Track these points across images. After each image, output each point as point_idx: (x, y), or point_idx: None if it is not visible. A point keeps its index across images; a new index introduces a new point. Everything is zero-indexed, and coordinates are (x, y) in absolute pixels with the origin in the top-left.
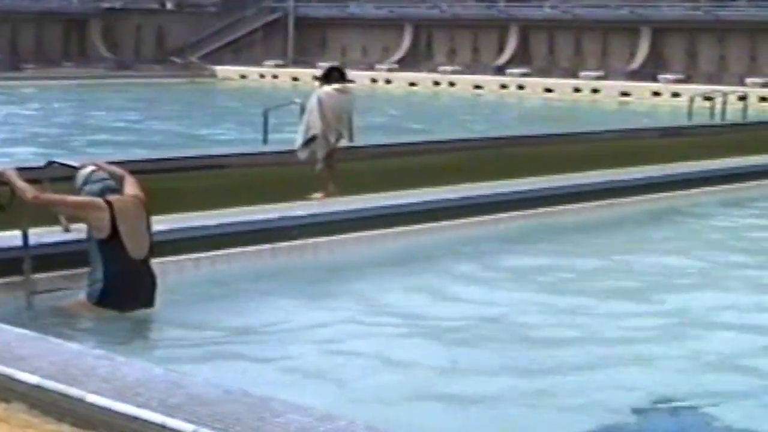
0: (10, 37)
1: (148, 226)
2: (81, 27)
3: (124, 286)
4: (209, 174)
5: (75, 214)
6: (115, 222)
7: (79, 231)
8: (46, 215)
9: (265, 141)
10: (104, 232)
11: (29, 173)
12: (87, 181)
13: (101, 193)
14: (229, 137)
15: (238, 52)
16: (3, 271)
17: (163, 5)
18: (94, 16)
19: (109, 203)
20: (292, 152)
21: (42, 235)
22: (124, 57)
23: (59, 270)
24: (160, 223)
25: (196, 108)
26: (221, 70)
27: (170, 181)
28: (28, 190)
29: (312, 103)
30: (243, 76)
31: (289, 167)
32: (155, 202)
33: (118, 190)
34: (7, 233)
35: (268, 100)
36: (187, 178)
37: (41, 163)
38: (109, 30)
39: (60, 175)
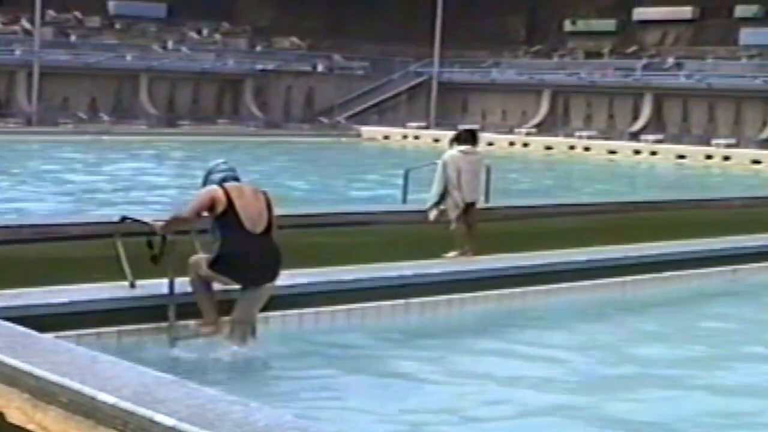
0: (168, 94)
1: (269, 207)
2: (235, 87)
3: (237, 256)
4: (351, 230)
5: (201, 216)
6: (230, 198)
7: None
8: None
9: (404, 200)
10: (221, 208)
11: (102, 228)
12: (212, 171)
13: (221, 181)
14: (371, 195)
15: (382, 113)
16: (150, 316)
17: (314, 67)
18: (248, 77)
19: (222, 187)
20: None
21: (187, 284)
22: (274, 116)
23: (201, 318)
24: (301, 276)
25: (341, 166)
26: (366, 130)
27: (315, 235)
28: (157, 226)
29: (439, 165)
30: (386, 137)
31: (428, 226)
32: (299, 256)
33: (238, 179)
34: (155, 281)
35: (410, 160)
36: (331, 234)
37: (115, 218)
38: (261, 90)
39: (134, 231)
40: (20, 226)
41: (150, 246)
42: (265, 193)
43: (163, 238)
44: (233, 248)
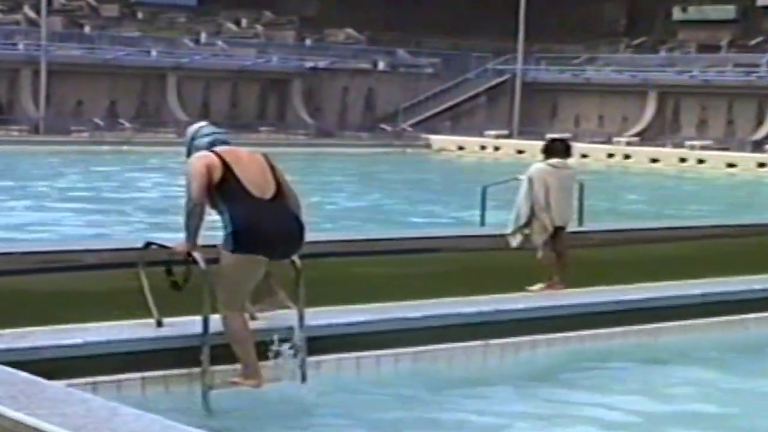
0: (201, 97)
1: (273, 169)
2: (280, 88)
3: (254, 226)
4: (419, 259)
5: (205, 189)
6: (226, 162)
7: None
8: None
9: (482, 223)
10: (218, 175)
11: (123, 255)
12: (195, 136)
13: (210, 146)
14: (442, 217)
15: (456, 119)
16: (179, 360)
17: (375, 65)
18: (296, 76)
19: (212, 152)
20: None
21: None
22: (327, 122)
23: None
24: (358, 313)
25: (407, 183)
26: (436, 139)
27: (376, 264)
28: (178, 248)
29: (523, 182)
30: (461, 147)
31: (509, 253)
32: (357, 288)
33: (228, 142)
34: (186, 318)
35: (488, 175)
36: (395, 263)
37: (138, 243)
38: (311, 92)
39: (160, 259)
40: (25, 254)
41: (169, 272)
42: (264, 156)
43: (186, 261)
44: (246, 220)
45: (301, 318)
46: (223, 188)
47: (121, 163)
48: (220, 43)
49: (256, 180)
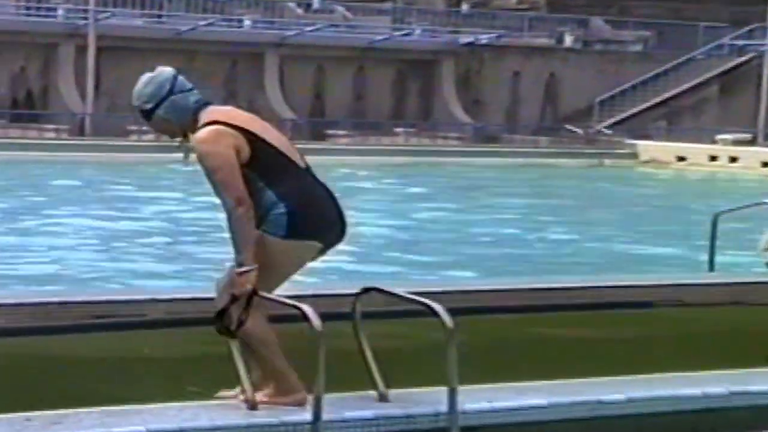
0: (313, 86)
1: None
2: (424, 73)
3: (313, 202)
4: (621, 316)
5: (240, 179)
6: (253, 135)
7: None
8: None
9: (711, 266)
10: (246, 151)
11: (202, 306)
12: (173, 88)
13: (197, 107)
14: (654, 259)
15: (674, 118)
16: None
17: (559, 40)
18: (446, 56)
19: (224, 123)
20: (755, 285)
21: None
22: (491, 122)
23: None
24: (535, 394)
25: (604, 208)
26: (645, 147)
27: (558, 323)
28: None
29: None
30: (681, 158)
31: (753, 309)
32: (532, 358)
33: (210, 102)
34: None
35: (720, 198)
36: (587, 320)
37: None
38: (468, 78)
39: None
40: (62, 304)
41: (221, 316)
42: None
43: (248, 299)
44: (301, 196)
45: (452, 397)
46: (255, 165)
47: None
48: (340, 9)
49: (289, 146)
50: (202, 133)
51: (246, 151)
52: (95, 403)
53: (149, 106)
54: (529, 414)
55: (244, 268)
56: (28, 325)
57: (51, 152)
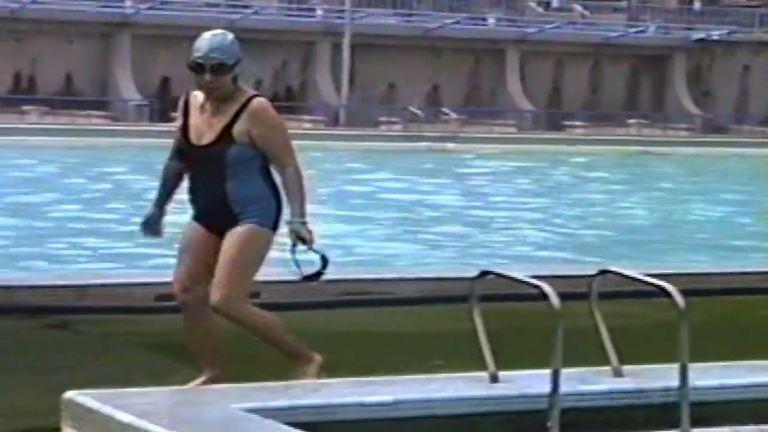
0: (551, 80)
1: None
2: (657, 67)
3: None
4: None
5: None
6: None
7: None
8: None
9: None
10: None
11: (450, 286)
12: (240, 56)
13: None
14: None
15: None
16: (519, 428)
17: None
18: (678, 51)
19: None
20: None
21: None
22: (720, 113)
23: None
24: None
25: None
26: None
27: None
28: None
29: None
30: None
31: None
32: (758, 334)
33: None
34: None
35: None
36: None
37: (470, 272)
38: (699, 73)
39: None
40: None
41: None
42: None
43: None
44: (277, 187)
45: (683, 373)
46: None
47: (443, 163)
48: (578, 7)
49: None
50: (264, 100)
51: None
52: (350, 374)
53: (231, 61)
54: (760, 391)
55: (307, 219)
56: (290, 301)
57: (308, 141)
